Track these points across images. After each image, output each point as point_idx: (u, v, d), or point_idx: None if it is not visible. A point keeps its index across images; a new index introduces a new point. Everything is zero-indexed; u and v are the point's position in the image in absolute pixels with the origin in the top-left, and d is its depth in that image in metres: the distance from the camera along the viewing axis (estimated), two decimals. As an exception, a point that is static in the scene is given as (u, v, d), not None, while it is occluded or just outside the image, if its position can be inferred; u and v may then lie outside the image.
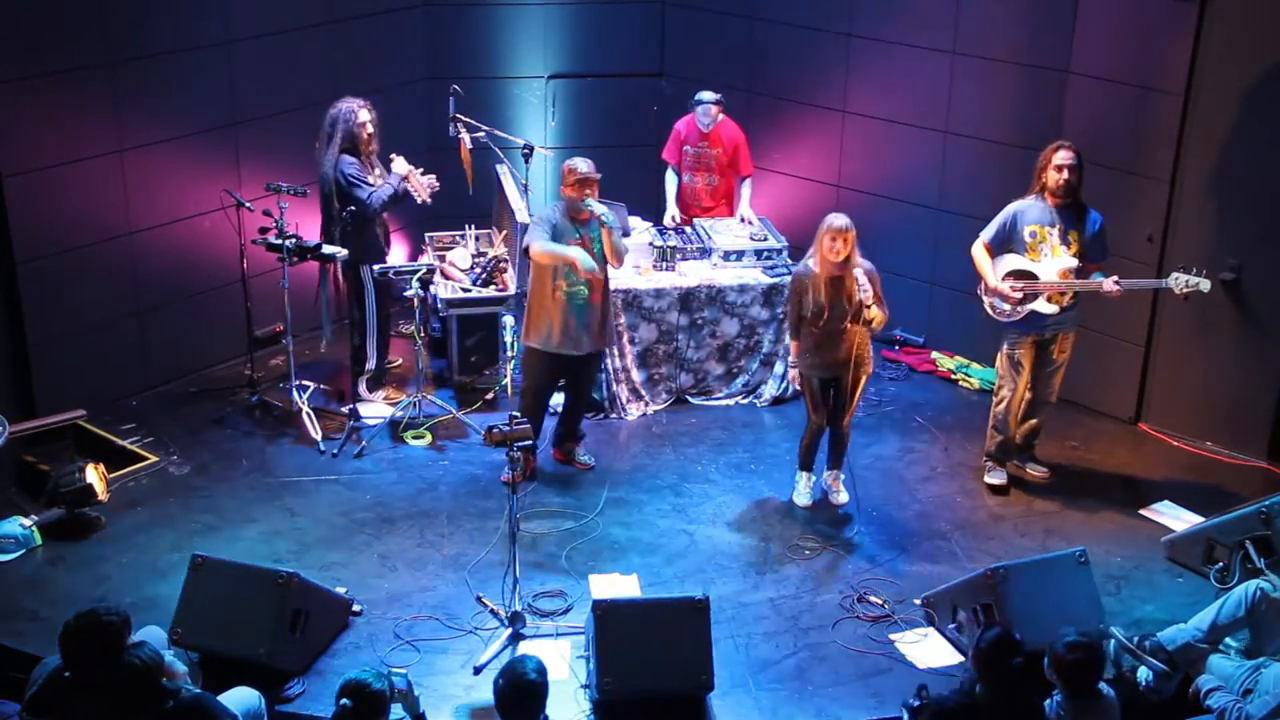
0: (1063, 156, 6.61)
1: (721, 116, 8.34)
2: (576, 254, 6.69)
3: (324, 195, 7.49)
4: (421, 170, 7.49)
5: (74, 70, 7.18)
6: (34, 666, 4.85)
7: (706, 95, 8.29)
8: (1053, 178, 6.63)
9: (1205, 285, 6.48)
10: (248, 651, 5.36)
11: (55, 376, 7.35)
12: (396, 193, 7.41)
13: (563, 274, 6.78)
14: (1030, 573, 5.69)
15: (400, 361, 8.33)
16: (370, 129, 7.43)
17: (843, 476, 7.08)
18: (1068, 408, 7.66)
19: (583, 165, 6.84)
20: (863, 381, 6.84)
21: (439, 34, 9.16)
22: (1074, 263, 6.68)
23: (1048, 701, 4.91)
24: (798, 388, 6.87)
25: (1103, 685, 4.91)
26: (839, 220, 6.48)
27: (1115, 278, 6.62)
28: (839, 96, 8.75)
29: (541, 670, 4.64)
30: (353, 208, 7.29)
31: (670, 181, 8.62)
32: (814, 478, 7.04)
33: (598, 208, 6.75)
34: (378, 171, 7.52)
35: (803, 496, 7.00)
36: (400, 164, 7.43)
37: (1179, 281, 6.52)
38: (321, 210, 7.56)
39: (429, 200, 7.53)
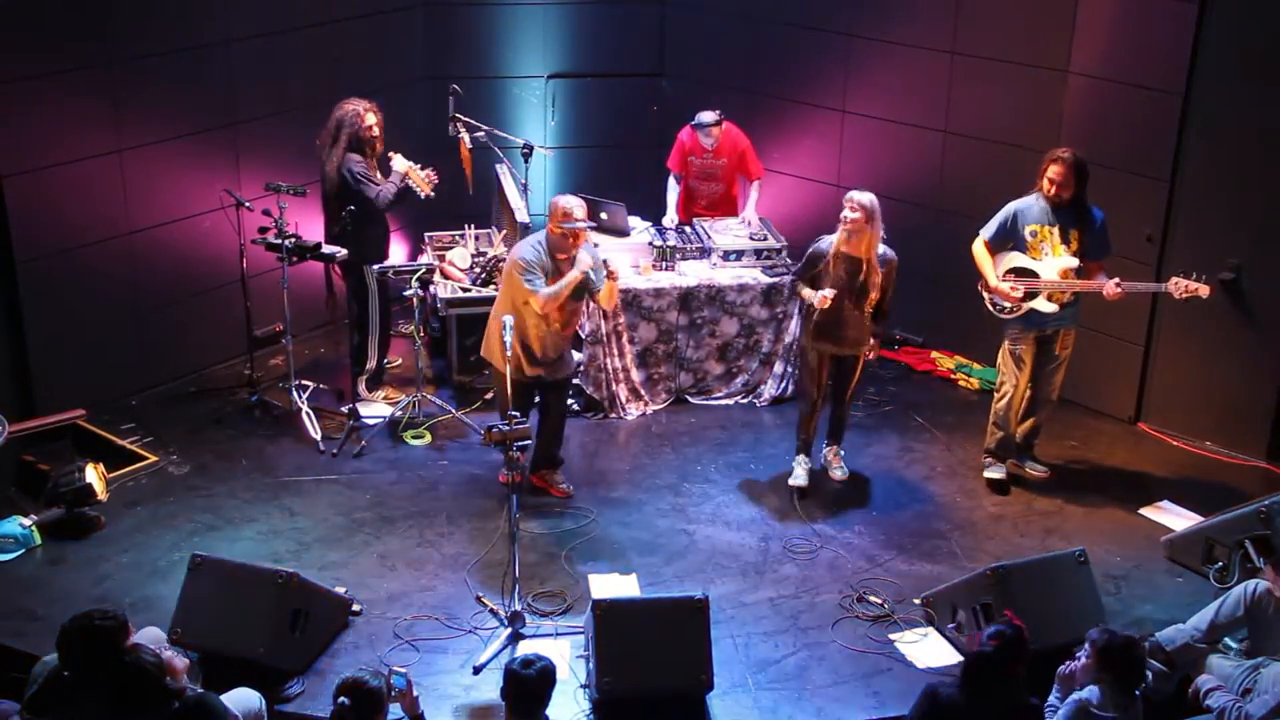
0: (1054, 172, 6.62)
1: (724, 126, 8.30)
2: (576, 273, 6.56)
3: (326, 195, 7.51)
4: (421, 166, 7.49)
5: (74, 70, 7.18)
6: (33, 666, 4.85)
7: (706, 117, 8.17)
8: (1046, 186, 6.68)
9: (1204, 291, 6.49)
10: (247, 651, 5.36)
11: (55, 376, 7.35)
12: (400, 190, 7.42)
13: (539, 313, 6.61)
14: (1030, 572, 5.69)
15: (400, 361, 8.33)
16: (376, 131, 7.45)
17: (842, 452, 7.15)
18: (1068, 407, 7.66)
19: (579, 210, 6.53)
20: (861, 361, 6.99)
21: (439, 34, 9.15)
22: (1074, 262, 6.69)
23: (1083, 693, 4.88)
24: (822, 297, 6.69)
25: None
26: (855, 193, 6.68)
27: (1116, 280, 6.62)
28: (839, 96, 8.75)
29: (551, 668, 4.69)
30: (353, 207, 7.29)
31: (672, 190, 8.61)
32: (809, 461, 7.12)
33: (586, 259, 6.59)
34: (379, 174, 7.53)
35: (798, 478, 7.08)
36: (399, 161, 7.43)
37: (1178, 286, 6.53)
38: (324, 210, 7.58)
39: (432, 194, 7.53)
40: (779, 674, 5.73)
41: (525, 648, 5.73)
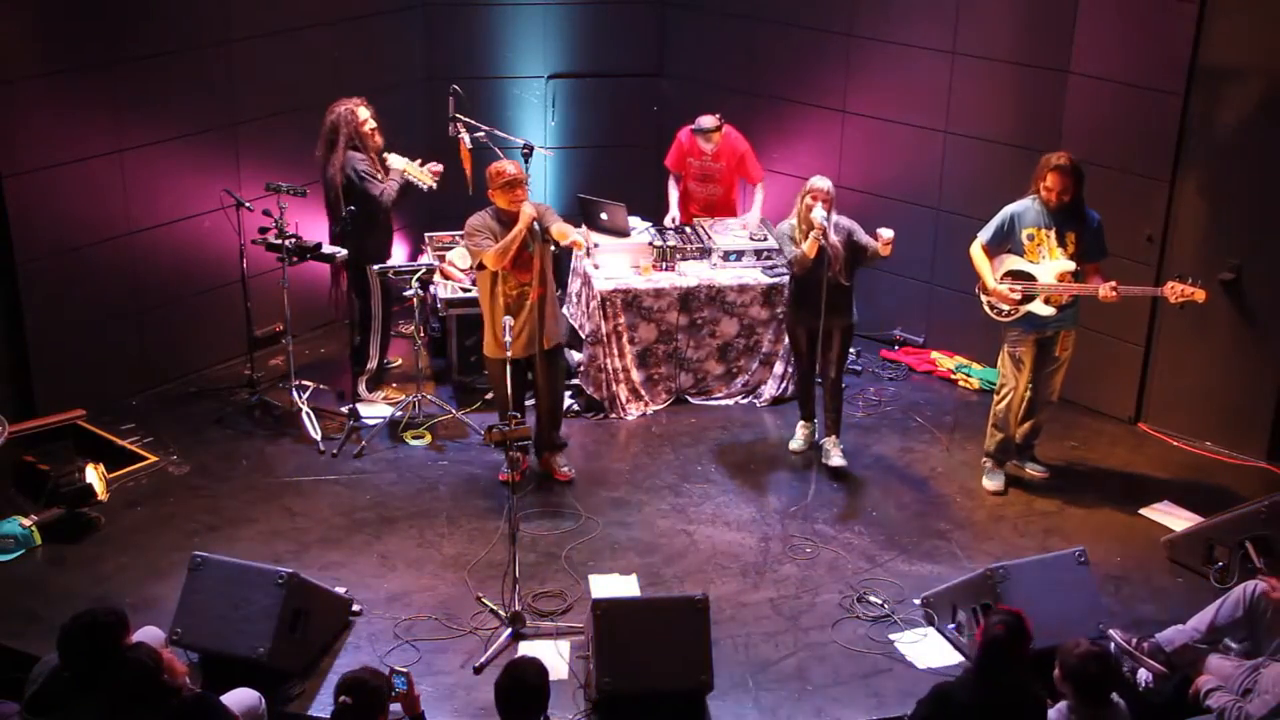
0: (1051, 180, 6.62)
1: (724, 131, 8.30)
2: (520, 223, 6.64)
3: (328, 200, 7.51)
4: (420, 161, 7.49)
5: (74, 70, 7.18)
6: (34, 666, 4.85)
7: (706, 122, 8.17)
8: (1043, 190, 6.69)
9: (1200, 296, 6.49)
10: (247, 652, 5.36)
11: (55, 376, 7.35)
12: (402, 187, 7.43)
13: (502, 279, 6.71)
14: (1030, 572, 5.69)
15: (400, 362, 8.33)
16: (373, 123, 7.46)
17: (841, 445, 7.20)
18: (1068, 408, 7.66)
19: (511, 167, 6.76)
20: (845, 333, 7.15)
21: (439, 34, 9.15)
22: (1072, 265, 6.69)
23: (1051, 712, 4.89)
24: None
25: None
26: (816, 182, 6.91)
27: (1112, 284, 6.61)
28: (839, 96, 8.75)
29: (543, 673, 4.64)
30: (353, 208, 7.30)
31: (673, 188, 8.61)
32: (811, 426, 7.39)
33: (529, 209, 6.68)
34: (382, 171, 7.55)
35: (796, 442, 7.44)
36: (395, 159, 7.43)
37: (1174, 291, 6.52)
38: (328, 213, 7.59)
39: (434, 186, 7.52)
40: (779, 674, 5.73)
41: (525, 648, 5.74)
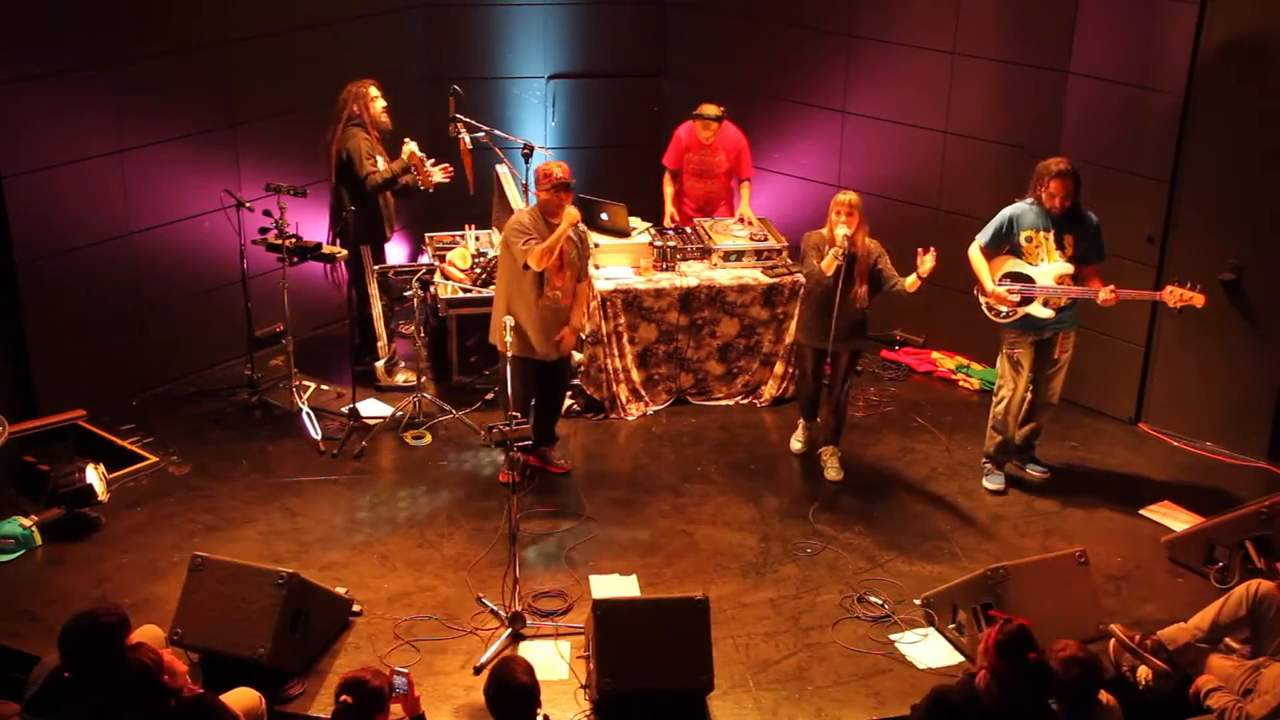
0: (1055, 187, 6.61)
1: (723, 124, 8.31)
2: (564, 222, 6.66)
3: (333, 181, 7.57)
4: (433, 160, 7.49)
5: (74, 70, 7.18)
6: (34, 666, 4.85)
7: (709, 110, 8.23)
8: (1046, 197, 6.68)
9: (1199, 300, 6.48)
10: (248, 651, 5.36)
11: (55, 376, 7.35)
12: (397, 178, 7.44)
13: (547, 281, 6.74)
14: (1030, 573, 5.69)
15: (402, 363, 8.32)
16: (383, 102, 7.53)
17: (839, 454, 7.20)
18: (1068, 408, 7.66)
19: (558, 170, 6.75)
20: (853, 357, 7.13)
21: (439, 34, 9.16)
22: (1070, 268, 6.69)
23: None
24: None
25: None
26: (843, 196, 6.87)
27: (1111, 287, 6.61)
28: (839, 96, 8.75)
29: (530, 672, 4.63)
30: (354, 208, 7.31)
31: (668, 187, 8.62)
32: (812, 426, 7.39)
33: (573, 211, 6.76)
34: (385, 156, 7.59)
35: (795, 442, 7.43)
36: (410, 148, 7.45)
37: (1173, 295, 6.52)
38: (331, 196, 7.64)
39: (431, 189, 7.54)
40: (779, 674, 5.73)
41: (525, 648, 5.74)
